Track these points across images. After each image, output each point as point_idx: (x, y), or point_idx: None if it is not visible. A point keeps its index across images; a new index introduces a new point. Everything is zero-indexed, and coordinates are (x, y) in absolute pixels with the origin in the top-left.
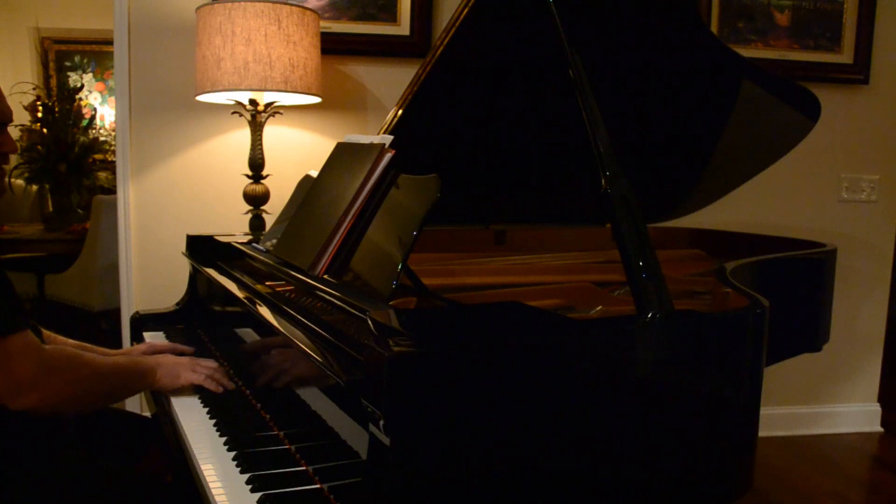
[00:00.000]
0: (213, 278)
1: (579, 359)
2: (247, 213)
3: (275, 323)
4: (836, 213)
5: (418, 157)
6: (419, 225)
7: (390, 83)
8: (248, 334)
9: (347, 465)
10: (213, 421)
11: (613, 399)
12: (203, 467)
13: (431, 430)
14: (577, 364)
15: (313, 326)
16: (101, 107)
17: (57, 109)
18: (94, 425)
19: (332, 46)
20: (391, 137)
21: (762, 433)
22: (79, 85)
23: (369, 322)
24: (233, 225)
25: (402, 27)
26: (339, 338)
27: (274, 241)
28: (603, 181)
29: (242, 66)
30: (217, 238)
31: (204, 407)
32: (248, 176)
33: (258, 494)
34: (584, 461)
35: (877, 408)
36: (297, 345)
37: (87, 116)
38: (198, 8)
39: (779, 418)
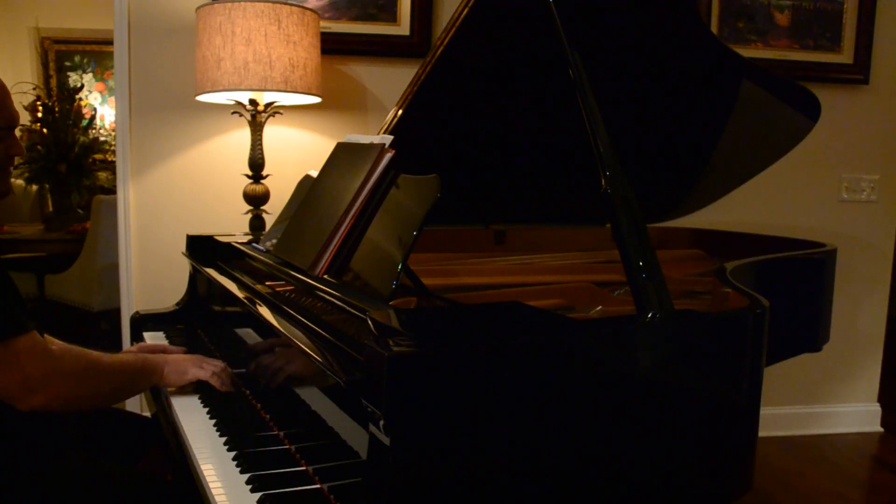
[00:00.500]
0: (213, 278)
1: (579, 359)
2: (247, 213)
3: (275, 323)
4: (836, 213)
5: (418, 157)
6: (419, 225)
7: (390, 83)
8: (249, 334)
9: (347, 465)
10: (214, 421)
11: (613, 399)
12: (203, 467)
13: (431, 430)
14: (576, 364)
15: (313, 326)
16: (101, 107)
17: (57, 109)
18: (94, 425)
19: (332, 46)
20: (391, 137)
21: (762, 433)
22: (79, 85)
23: (369, 322)
24: (233, 225)
25: (402, 27)
26: (339, 338)
27: (274, 241)
28: (603, 181)
29: (242, 66)
30: (217, 238)
31: (204, 407)
32: (248, 176)
33: (258, 494)
34: (584, 461)
35: (877, 408)
36: (298, 345)
37: (87, 116)
38: (198, 8)
39: (779, 418)
